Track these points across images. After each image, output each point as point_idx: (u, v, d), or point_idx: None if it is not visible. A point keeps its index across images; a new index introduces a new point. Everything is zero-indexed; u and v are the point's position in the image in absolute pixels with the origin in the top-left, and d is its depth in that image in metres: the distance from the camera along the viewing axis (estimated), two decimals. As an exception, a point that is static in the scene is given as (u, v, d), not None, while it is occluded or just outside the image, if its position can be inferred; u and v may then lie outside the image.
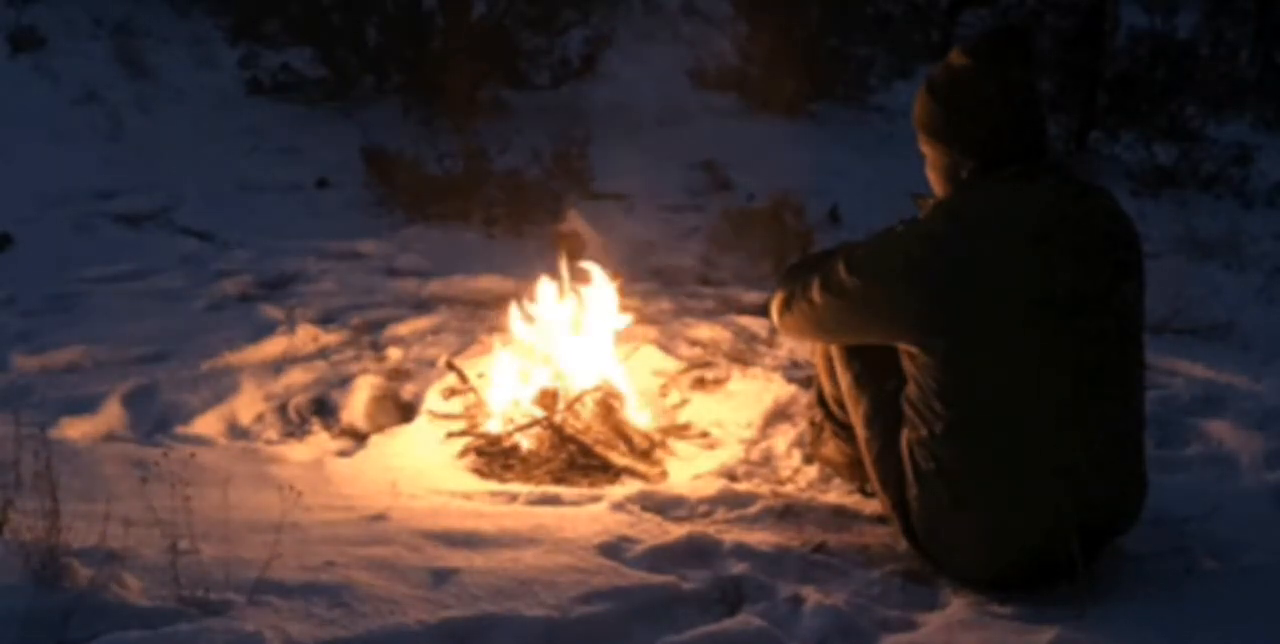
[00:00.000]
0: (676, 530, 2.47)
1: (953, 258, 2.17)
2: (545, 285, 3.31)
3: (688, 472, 2.94)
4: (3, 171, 5.32)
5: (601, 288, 3.31)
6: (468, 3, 6.49)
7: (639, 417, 3.15)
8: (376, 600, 2.07)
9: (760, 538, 2.48)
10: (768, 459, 3.02)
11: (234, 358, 3.52)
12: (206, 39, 7.23)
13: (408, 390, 3.41)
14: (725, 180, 5.57)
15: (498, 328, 3.42)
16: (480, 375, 3.34)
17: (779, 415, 3.26)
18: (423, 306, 4.10)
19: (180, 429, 3.10)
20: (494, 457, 2.98)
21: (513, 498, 2.73)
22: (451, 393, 3.34)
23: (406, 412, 3.31)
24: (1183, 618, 2.16)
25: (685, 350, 3.75)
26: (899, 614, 2.21)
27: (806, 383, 3.32)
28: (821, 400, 2.69)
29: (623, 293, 3.39)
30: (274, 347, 3.64)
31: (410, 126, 5.97)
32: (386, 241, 4.75)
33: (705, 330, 3.89)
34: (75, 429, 3.01)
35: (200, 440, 3.04)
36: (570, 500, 2.71)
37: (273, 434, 3.16)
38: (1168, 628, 2.12)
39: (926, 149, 2.33)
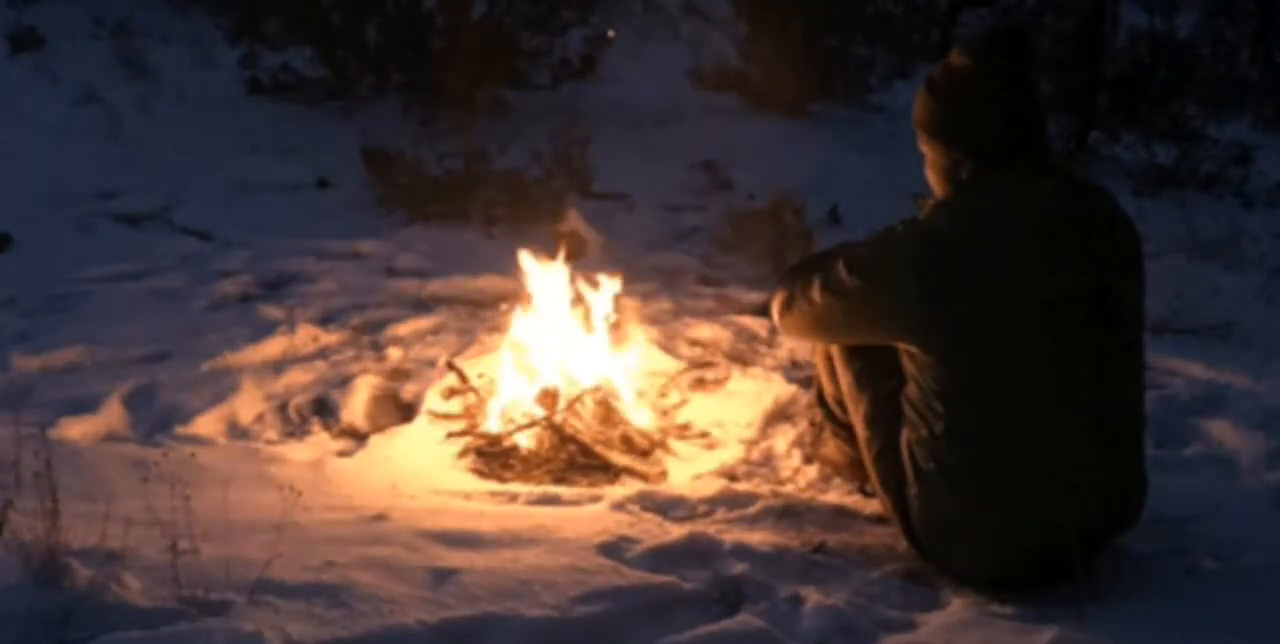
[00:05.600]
0: (676, 530, 2.47)
1: (953, 257, 2.17)
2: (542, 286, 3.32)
3: (688, 472, 2.94)
4: (3, 171, 5.33)
5: (601, 287, 3.32)
6: (468, 3, 6.49)
7: (639, 417, 3.15)
8: (376, 600, 2.07)
9: (760, 538, 2.48)
10: (768, 459, 3.01)
11: (234, 358, 3.52)
12: (206, 39, 7.23)
13: (408, 390, 3.41)
14: (725, 180, 5.57)
15: (498, 328, 3.42)
16: (480, 375, 3.35)
17: (779, 415, 3.26)
18: (423, 307, 4.10)
19: (180, 429, 3.10)
20: (494, 457, 2.98)
21: (513, 498, 2.73)
22: (451, 393, 3.34)
23: (406, 412, 3.31)
24: (1183, 618, 2.16)
25: (685, 350, 3.75)
26: (899, 614, 2.21)
27: (806, 383, 3.32)
28: (821, 400, 2.69)
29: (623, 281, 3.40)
30: (274, 346, 3.64)
31: (410, 126, 5.97)
32: (386, 241, 4.75)
33: (705, 330, 3.89)
34: (75, 429, 3.01)
35: (200, 440, 3.04)
36: (570, 500, 2.71)
37: (273, 434, 3.16)
38: (1168, 628, 2.13)
39: (926, 149, 2.33)
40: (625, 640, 2.07)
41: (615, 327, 3.39)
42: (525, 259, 3.34)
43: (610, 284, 3.34)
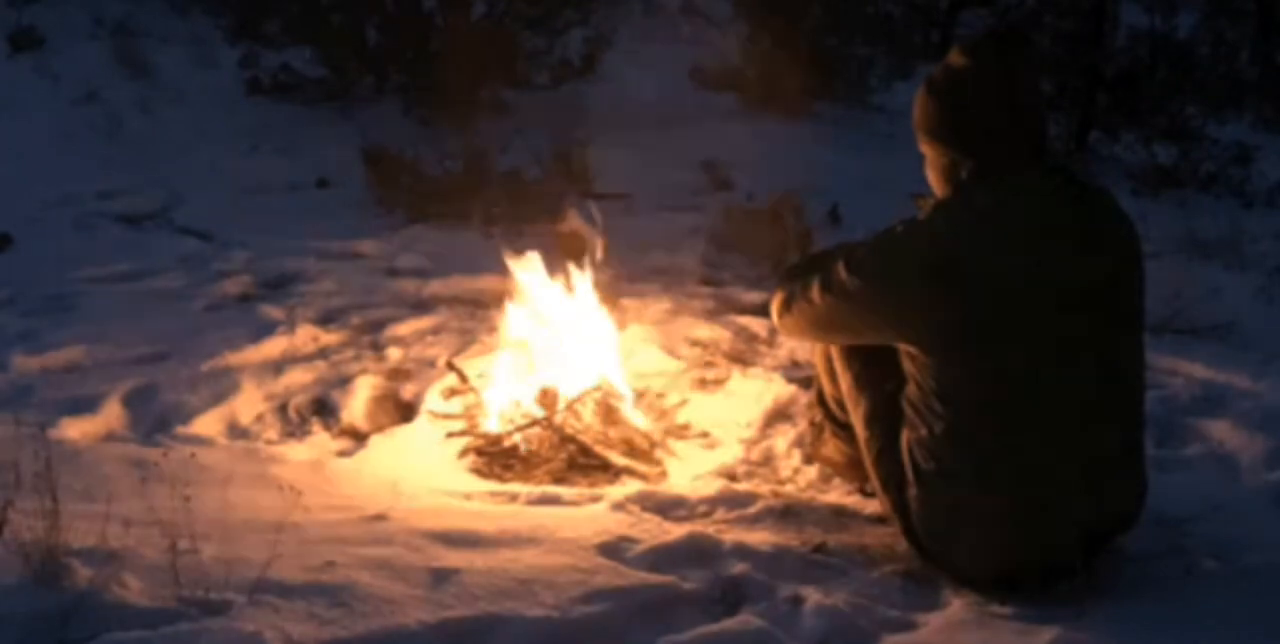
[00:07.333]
0: (676, 530, 2.47)
1: (952, 258, 2.17)
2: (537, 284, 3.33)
3: (688, 472, 2.94)
4: (3, 171, 5.33)
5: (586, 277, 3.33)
6: (468, 3, 6.50)
7: (639, 417, 3.15)
8: (376, 600, 2.07)
9: (760, 538, 2.48)
10: (768, 459, 3.01)
11: (234, 358, 3.52)
12: (206, 39, 7.24)
13: (408, 390, 3.41)
14: (725, 180, 5.57)
15: (497, 328, 3.42)
16: (480, 375, 3.35)
17: (779, 415, 3.26)
18: (423, 306, 4.10)
19: (180, 429, 3.10)
20: (494, 457, 2.98)
21: (513, 498, 2.73)
22: (451, 393, 3.34)
23: (406, 412, 3.31)
24: (1183, 618, 2.16)
25: (685, 350, 3.74)
26: (899, 614, 2.21)
27: (806, 383, 3.31)
28: (821, 400, 2.69)
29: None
30: (274, 347, 3.64)
31: (410, 126, 5.98)
32: (386, 241, 4.75)
33: (705, 330, 3.89)
34: (75, 429, 3.01)
35: (200, 440, 3.04)
36: (570, 500, 2.71)
37: (273, 434, 3.16)
38: (1167, 628, 2.13)
39: (926, 149, 2.33)
40: (625, 640, 2.08)
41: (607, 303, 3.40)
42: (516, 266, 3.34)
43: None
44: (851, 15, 7.31)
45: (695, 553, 2.38)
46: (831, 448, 2.74)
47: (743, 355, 3.73)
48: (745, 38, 7.12)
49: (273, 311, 3.93)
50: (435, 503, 2.66)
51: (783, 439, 3.10)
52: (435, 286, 4.26)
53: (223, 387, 3.33)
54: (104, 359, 3.51)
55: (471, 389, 3.29)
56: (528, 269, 3.34)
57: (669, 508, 2.65)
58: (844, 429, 2.62)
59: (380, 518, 2.49)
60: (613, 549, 2.36)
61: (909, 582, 2.33)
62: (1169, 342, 3.72)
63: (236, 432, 3.16)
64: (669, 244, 4.85)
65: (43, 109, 6.27)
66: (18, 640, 1.90)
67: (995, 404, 2.19)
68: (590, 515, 2.57)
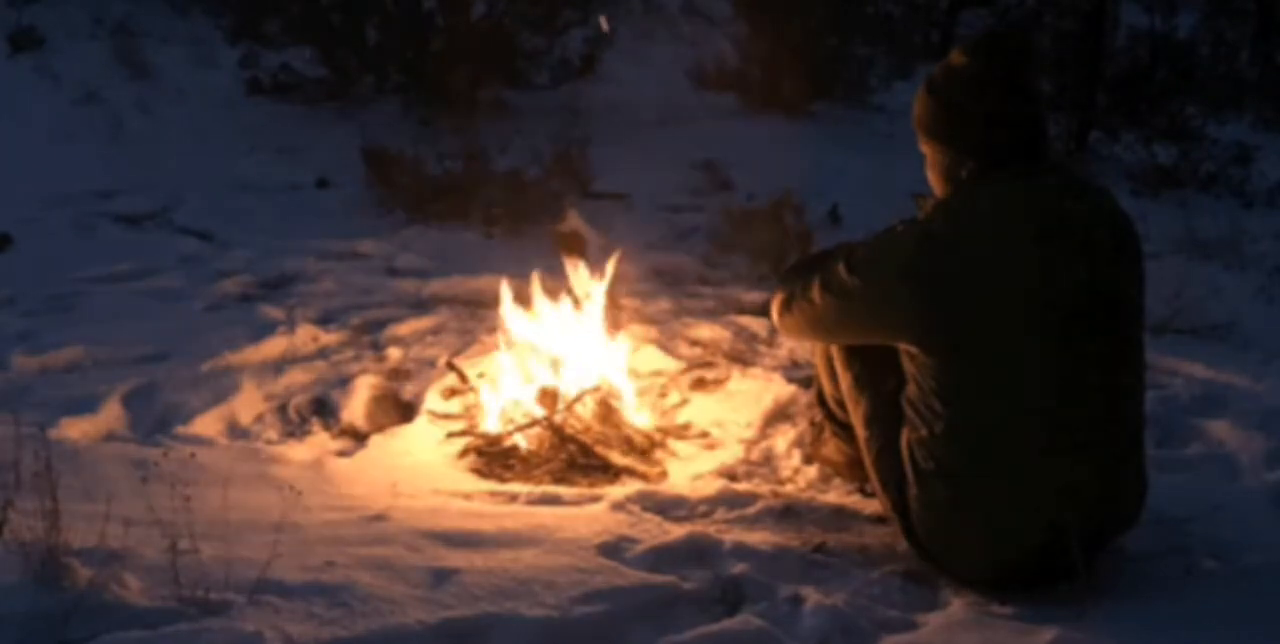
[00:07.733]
0: (676, 530, 2.47)
1: (952, 258, 2.17)
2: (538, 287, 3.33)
3: (688, 472, 2.94)
4: (3, 171, 5.33)
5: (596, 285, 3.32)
6: (468, 3, 6.50)
7: (639, 417, 3.15)
8: (376, 600, 2.07)
9: (760, 538, 2.48)
10: (768, 459, 3.01)
11: (234, 358, 3.52)
12: (206, 39, 7.24)
13: (408, 390, 3.41)
14: (725, 180, 5.57)
15: (497, 327, 3.42)
16: (480, 375, 3.35)
17: (779, 415, 3.26)
18: (423, 306, 4.11)
19: (180, 429, 3.09)
20: (494, 457, 2.98)
21: (513, 498, 2.73)
22: (451, 393, 3.34)
23: (406, 412, 3.31)
24: (1183, 618, 2.16)
25: (685, 350, 3.74)
26: (899, 614, 2.21)
27: (806, 383, 3.31)
28: (821, 400, 2.69)
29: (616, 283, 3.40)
30: (274, 347, 3.64)
31: (410, 126, 5.98)
32: (386, 241, 4.75)
33: (705, 330, 3.89)
34: (75, 429, 3.01)
35: (200, 440, 3.04)
36: (570, 500, 2.71)
37: (273, 434, 3.16)
38: (1168, 628, 2.12)
39: (926, 149, 2.33)
40: (625, 640, 2.08)
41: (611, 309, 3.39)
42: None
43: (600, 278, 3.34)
44: (851, 15, 7.32)
45: (695, 553, 2.38)
46: (831, 448, 2.74)
47: (743, 355, 3.73)
48: (745, 38, 7.12)
49: (273, 312, 3.93)
50: (435, 503, 2.65)
51: (783, 439, 3.10)
52: (435, 286, 4.26)
53: (223, 387, 3.33)
54: (104, 359, 3.51)
55: (471, 389, 3.29)
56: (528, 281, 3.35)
57: (669, 508, 2.65)
58: (844, 429, 2.62)
59: (380, 518, 2.49)
60: (613, 549, 2.36)
61: (909, 582, 2.33)
62: (1169, 341, 3.73)
63: (236, 432, 3.16)
64: (669, 244, 4.85)
65: (43, 109, 6.28)
66: (18, 640, 1.90)
67: (994, 404, 2.19)
68: (590, 515, 2.57)
